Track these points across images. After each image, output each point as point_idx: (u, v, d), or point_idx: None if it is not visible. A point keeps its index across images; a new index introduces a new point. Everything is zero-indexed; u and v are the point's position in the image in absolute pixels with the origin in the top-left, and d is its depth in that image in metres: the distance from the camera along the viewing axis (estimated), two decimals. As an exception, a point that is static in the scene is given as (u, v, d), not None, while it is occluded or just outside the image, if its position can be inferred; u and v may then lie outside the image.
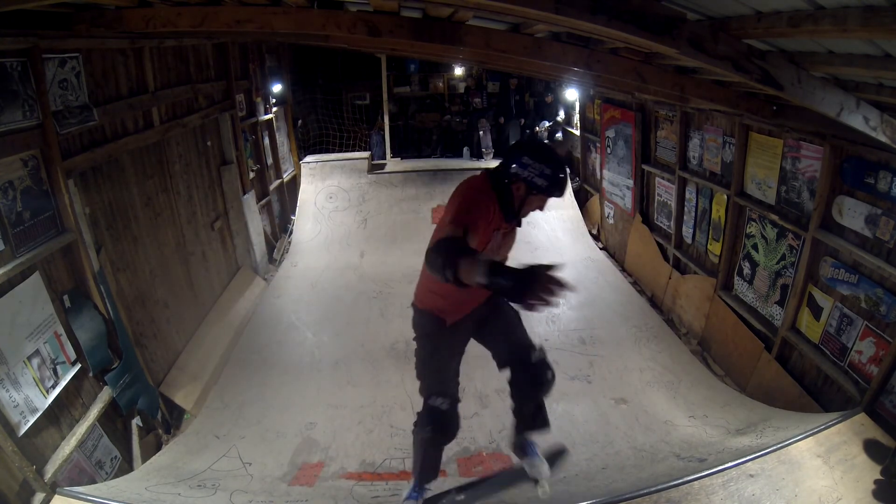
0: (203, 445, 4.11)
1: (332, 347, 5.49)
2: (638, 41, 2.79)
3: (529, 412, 2.87)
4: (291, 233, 8.33)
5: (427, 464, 2.85)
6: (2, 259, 3.00)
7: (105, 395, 3.69)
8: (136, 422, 3.97)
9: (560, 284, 1.71)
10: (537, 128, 9.18)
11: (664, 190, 6.48)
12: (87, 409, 3.52)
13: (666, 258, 6.46)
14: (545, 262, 1.79)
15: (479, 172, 2.53)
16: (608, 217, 8.08)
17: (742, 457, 3.14)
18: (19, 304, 3.07)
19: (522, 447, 2.97)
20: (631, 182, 7.15)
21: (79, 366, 3.50)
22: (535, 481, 2.95)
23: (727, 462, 3.12)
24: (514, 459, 3.91)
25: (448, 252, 1.85)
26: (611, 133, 7.58)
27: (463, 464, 3.91)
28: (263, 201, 7.71)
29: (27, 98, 3.27)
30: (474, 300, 2.70)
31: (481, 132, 9.57)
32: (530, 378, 2.75)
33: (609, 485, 3.47)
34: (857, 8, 1.90)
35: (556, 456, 3.12)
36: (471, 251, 1.92)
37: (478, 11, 3.37)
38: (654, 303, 6.48)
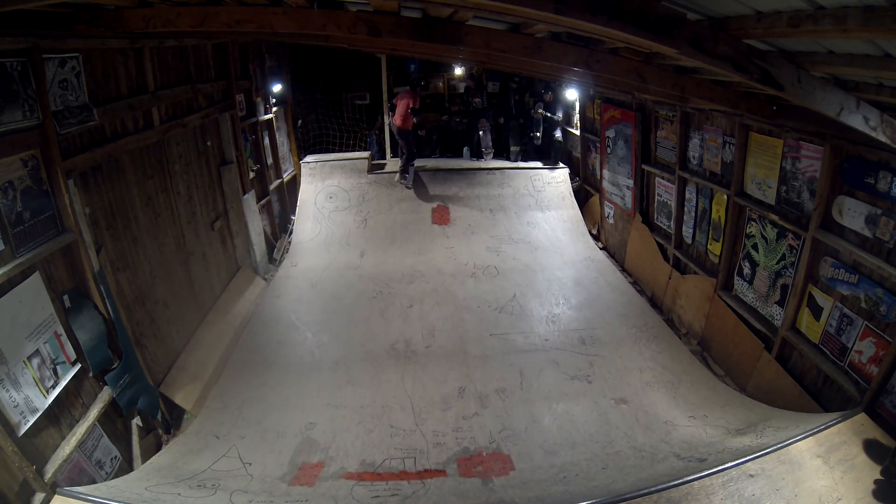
0: (203, 445, 4.11)
1: (332, 347, 5.49)
2: (638, 41, 2.79)
3: (403, 163, 8.56)
4: (291, 233, 8.33)
5: (411, 167, 8.65)
6: (2, 259, 3.00)
7: (105, 395, 3.69)
8: (136, 422, 3.97)
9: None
10: (532, 110, 9.24)
11: (664, 190, 6.48)
12: (87, 409, 3.52)
13: (666, 258, 6.46)
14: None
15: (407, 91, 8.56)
16: (608, 217, 8.08)
17: (742, 457, 3.14)
18: (19, 304, 3.07)
19: (403, 173, 8.62)
20: (631, 182, 7.15)
21: (79, 366, 3.50)
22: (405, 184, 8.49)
23: (727, 462, 3.12)
24: (514, 459, 3.93)
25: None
26: (611, 133, 7.58)
27: (463, 464, 3.91)
28: (263, 201, 7.71)
29: (27, 98, 3.26)
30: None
31: (481, 132, 9.60)
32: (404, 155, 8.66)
33: (609, 485, 3.46)
34: (857, 8, 1.90)
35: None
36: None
37: (478, 11, 3.37)
38: (654, 303, 6.48)
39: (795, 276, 4.26)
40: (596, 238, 8.33)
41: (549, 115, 9.12)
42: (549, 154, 9.28)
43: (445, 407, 4.54)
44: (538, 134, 9.24)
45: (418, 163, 9.45)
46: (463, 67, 10.66)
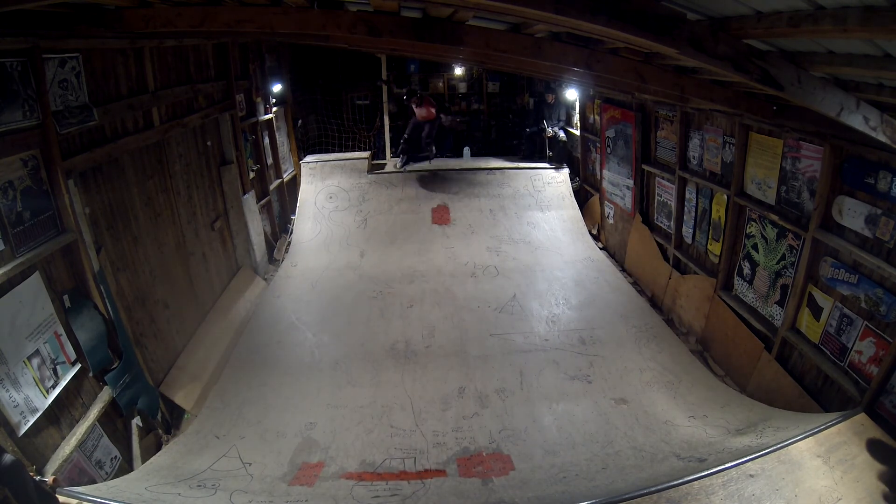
0: (203, 445, 4.11)
1: (332, 347, 5.49)
2: (638, 41, 2.79)
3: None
4: (291, 233, 8.33)
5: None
6: (2, 259, 3.00)
7: (105, 395, 3.69)
8: (136, 422, 3.97)
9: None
10: (549, 129, 9.11)
11: (664, 190, 6.48)
12: (87, 409, 3.52)
13: (666, 258, 6.46)
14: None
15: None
16: (608, 217, 8.08)
17: (742, 457, 3.14)
18: (19, 304, 3.07)
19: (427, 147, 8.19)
20: (631, 182, 7.15)
21: (79, 366, 3.50)
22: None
23: (727, 462, 3.12)
24: (514, 459, 3.93)
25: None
26: (611, 133, 7.58)
27: (463, 464, 3.91)
28: (263, 201, 7.71)
29: (27, 98, 3.27)
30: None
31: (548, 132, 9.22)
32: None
33: (609, 485, 3.47)
34: (857, 8, 1.90)
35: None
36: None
37: (478, 11, 3.37)
38: (654, 303, 6.48)
39: (795, 277, 4.26)
40: (596, 238, 8.33)
41: (556, 130, 9.03)
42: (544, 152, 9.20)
43: (445, 407, 4.54)
44: (550, 154, 9.14)
45: (417, 165, 9.48)
46: (463, 67, 10.66)
